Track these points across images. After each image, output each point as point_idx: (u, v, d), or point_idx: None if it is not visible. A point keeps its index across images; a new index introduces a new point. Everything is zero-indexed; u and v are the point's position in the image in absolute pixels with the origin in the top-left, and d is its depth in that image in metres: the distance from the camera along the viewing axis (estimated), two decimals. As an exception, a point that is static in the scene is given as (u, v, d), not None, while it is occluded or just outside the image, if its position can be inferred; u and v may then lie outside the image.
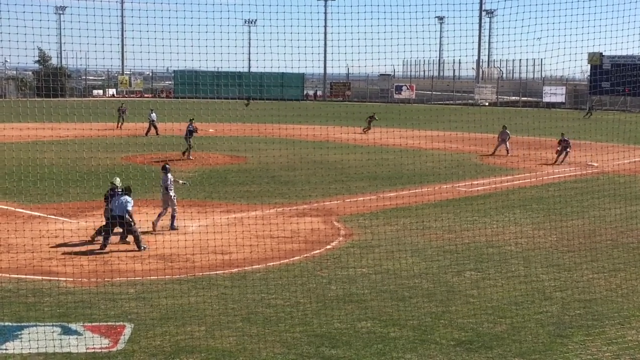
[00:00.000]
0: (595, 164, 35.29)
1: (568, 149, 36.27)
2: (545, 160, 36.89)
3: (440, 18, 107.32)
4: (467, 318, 13.79)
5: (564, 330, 13.16)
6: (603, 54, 78.35)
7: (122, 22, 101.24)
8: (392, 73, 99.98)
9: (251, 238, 18.76)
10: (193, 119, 36.85)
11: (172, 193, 20.40)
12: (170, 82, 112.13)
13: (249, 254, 17.71)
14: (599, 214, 22.44)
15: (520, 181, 30.78)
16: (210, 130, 44.98)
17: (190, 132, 36.23)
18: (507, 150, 39.18)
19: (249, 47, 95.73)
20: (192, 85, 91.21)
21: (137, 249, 18.25)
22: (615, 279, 16.44)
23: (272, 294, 14.89)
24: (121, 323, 13.07)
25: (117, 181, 19.49)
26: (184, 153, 36.16)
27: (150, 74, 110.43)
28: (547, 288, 15.74)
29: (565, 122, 44.66)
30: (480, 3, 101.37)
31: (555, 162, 36.08)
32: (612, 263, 17.73)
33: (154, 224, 20.16)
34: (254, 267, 16.96)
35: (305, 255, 18.28)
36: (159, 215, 20.42)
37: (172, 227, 20.18)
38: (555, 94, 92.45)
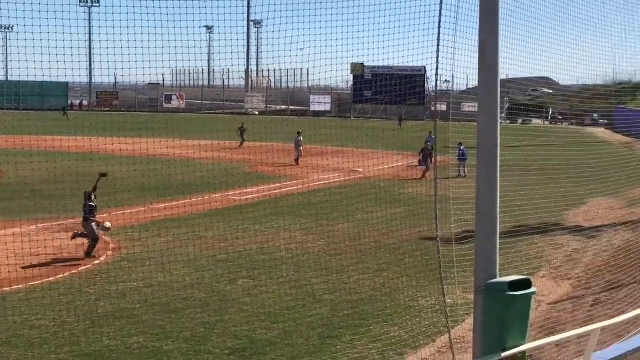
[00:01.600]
0: (360, 170, 36.96)
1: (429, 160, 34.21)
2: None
3: (209, 27, 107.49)
4: (241, 326, 13.83)
5: (334, 331, 13.58)
6: (365, 64, 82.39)
7: None
8: (161, 82, 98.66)
9: (10, 257, 17.51)
10: None
11: None
12: None
13: (7, 274, 16.53)
14: (364, 218, 23.49)
15: (289, 188, 31.50)
16: None
17: None
18: (297, 158, 40.17)
19: (6, 54, 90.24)
20: None
21: None
22: (379, 279, 17.25)
23: (36, 315, 14.03)
24: None
25: None
26: None
27: None
28: (317, 291, 16.18)
29: (331, 130, 46.40)
30: (248, 14, 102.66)
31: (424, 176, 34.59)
32: (376, 264, 18.61)
33: None
34: (13, 287, 15.84)
35: (72, 271, 17.44)
36: None
37: None
38: (321, 103, 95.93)
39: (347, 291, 16.19)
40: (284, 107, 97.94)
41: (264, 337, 13.24)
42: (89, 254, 18.92)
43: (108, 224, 20.09)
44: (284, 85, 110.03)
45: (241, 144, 47.70)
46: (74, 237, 19.20)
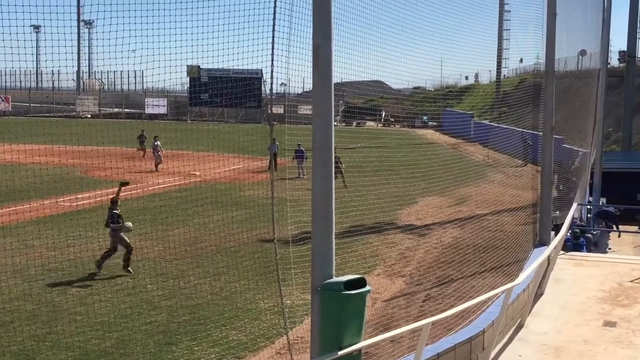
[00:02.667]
0: (197, 173, 36.55)
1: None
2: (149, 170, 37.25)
3: (36, 27, 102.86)
4: (73, 337, 13.29)
5: (171, 338, 13.33)
6: (201, 66, 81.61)
7: None
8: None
9: None
10: None
11: None
12: None
13: None
14: (202, 221, 23.23)
15: (125, 193, 30.61)
16: None
17: None
18: (156, 164, 39.24)
19: None
20: None
21: None
22: (218, 283, 17.13)
23: None
24: None
25: None
26: None
27: None
28: (154, 298, 15.84)
29: (167, 133, 45.65)
30: (78, 13, 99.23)
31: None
32: (215, 268, 18.45)
33: None
34: None
35: None
36: None
37: None
38: (157, 106, 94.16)
39: (185, 296, 15.95)
40: (118, 110, 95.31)
41: (98, 348, 12.80)
42: (101, 262, 18.21)
43: (129, 224, 19.28)
44: (117, 87, 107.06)
45: (144, 153, 44.58)
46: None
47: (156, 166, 39.82)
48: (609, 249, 24.58)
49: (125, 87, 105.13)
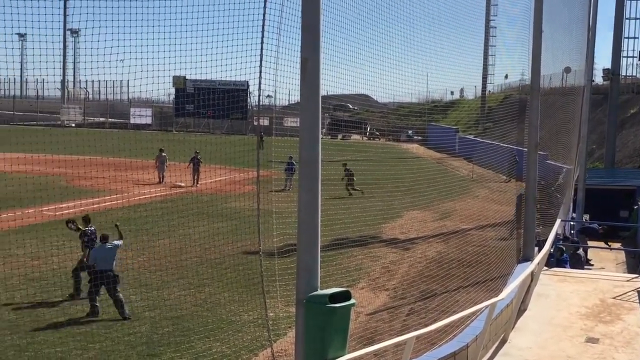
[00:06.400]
0: (182, 184, 36.47)
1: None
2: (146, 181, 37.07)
3: (22, 35, 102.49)
4: (55, 347, 13.21)
5: (154, 349, 13.27)
6: (187, 77, 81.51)
7: None
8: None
9: None
10: None
11: None
12: None
13: None
14: (186, 232, 23.15)
15: (109, 202, 30.53)
16: None
17: None
18: (162, 177, 38.46)
19: None
20: None
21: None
22: (201, 294, 17.07)
23: None
24: None
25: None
26: None
27: None
28: (137, 308, 15.76)
29: (153, 144, 45.51)
30: (64, 22, 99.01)
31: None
32: (199, 279, 18.40)
33: None
34: None
35: None
36: None
37: None
38: (142, 116, 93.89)
39: (168, 307, 15.88)
40: (102, 119, 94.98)
41: (79, 358, 12.71)
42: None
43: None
44: (102, 97, 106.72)
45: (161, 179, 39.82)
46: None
47: (161, 178, 38.94)
48: (590, 264, 24.67)
49: (110, 96, 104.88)
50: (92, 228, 17.52)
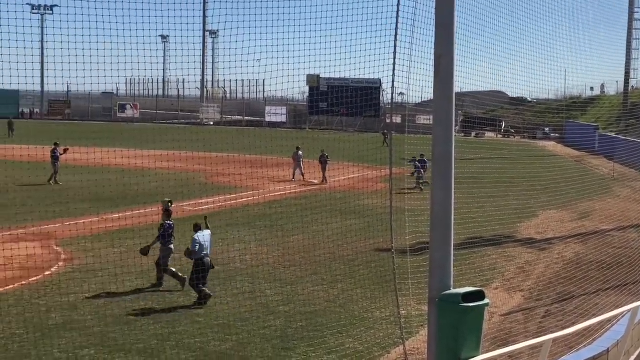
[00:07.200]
0: (316, 181, 37.01)
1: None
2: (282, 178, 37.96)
3: (164, 37, 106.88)
4: (195, 337, 13.71)
5: (288, 343, 13.53)
6: (320, 76, 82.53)
7: None
8: (115, 91, 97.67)
9: (-41, 267, 17.14)
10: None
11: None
12: None
13: (-44, 285, 16.18)
14: (319, 229, 23.45)
15: (245, 199, 31.38)
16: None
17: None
18: (297, 174, 38.89)
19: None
20: None
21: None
22: (334, 290, 17.26)
23: (-17, 327, 13.74)
24: None
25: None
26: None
27: None
28: (271, 303, 16.12)
29: (287, 142, 46.36)
30: (204, 23, 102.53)
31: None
32: (331, 275, 18.61)
33: None
34: (-38, 298, 15.52)
35: (22, 283, 17.10)
36: None
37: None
38: (277, 114, 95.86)
39: (301, 303, 16.16)
40: (239, 117, 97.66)
41: (218, 349, 13.15)
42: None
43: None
44: (239, 96, 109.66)
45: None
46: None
47: (302, 176, 39.16)
48: None
49: (247, 95, 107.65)
50: (171, 222, 18.02)
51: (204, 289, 16.01)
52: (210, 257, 16.45)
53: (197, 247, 16.15)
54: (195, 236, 16.35)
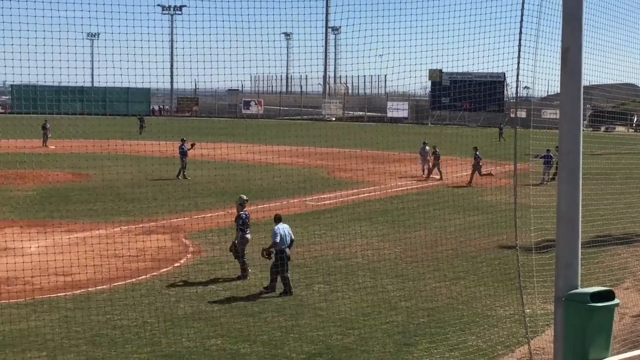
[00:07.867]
0: (437, 177, 36.71)
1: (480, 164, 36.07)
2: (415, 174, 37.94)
3: (287, 34, 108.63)
4: (317, 331, 13.90)
5: (410, 339, 13.51)
6: (442, 70, 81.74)
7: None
8: (240, 88, 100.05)
9: (95, 258, 18.04)
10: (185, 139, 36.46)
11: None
12: (7, 97, 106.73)
13: (92, 275, 17.02)
14: (441, 225, 23.28)
15: (366, 194, 31.50)
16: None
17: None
18: (426, 170, 38.24)
19: (92, 61, 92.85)
20: (29, 101, 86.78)
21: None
22: (456, 287, 17.08)
23: (118, 315, 14.42)
24: (-48, 353, 12.23)
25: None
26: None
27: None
28: (393, 298, 16.13)
29: (408, 137, 46.21)
30: (326, 20, 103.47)
31: (470, 182, 35.42)
32: (453, 272, 18.44)
33: None
34: (98, 287, 16.34)
35: (153, 273, 17.84)
36: None
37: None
38: (398, 109, 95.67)
39: (423, 299, 16.09)
40: (361, 113, 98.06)
41: (340, 343, 13.28)
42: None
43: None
44: (361, 91, 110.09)
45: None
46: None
47: (429, 172, 38.33)
48: None
49: (368, 91, 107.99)
50: (247, 212, 18.22)
51: (287, 276, 16.31)
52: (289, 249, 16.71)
53: (278, 239, 16.42)
54: (275, 228, 16.64)
